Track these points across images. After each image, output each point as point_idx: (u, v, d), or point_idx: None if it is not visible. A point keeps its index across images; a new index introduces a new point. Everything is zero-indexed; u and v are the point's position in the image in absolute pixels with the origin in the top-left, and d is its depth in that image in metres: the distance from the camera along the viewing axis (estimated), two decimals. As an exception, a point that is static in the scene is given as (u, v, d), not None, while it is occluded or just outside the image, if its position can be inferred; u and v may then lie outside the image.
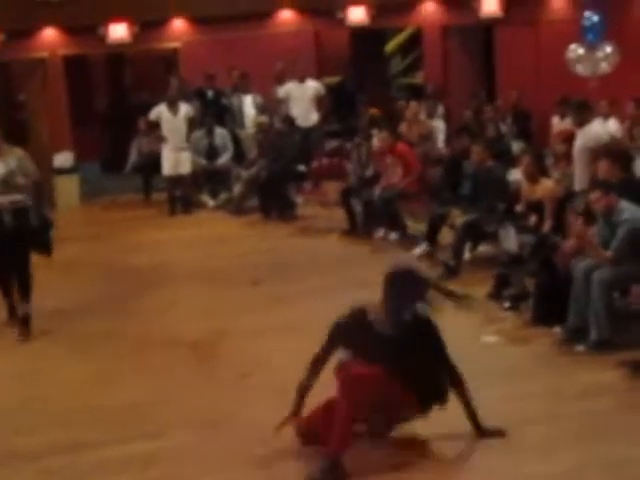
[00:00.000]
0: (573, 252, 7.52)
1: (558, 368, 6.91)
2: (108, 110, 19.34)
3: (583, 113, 9.40)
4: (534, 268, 8.00)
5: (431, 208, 10.70)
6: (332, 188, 13.49)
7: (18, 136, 12.26)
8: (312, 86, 14.89)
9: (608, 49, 12.63)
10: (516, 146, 13.52)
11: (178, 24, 15.60)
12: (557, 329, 7.47)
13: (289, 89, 14.74)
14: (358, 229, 11.76)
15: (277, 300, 8.91)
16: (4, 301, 8.84)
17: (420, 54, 17.59)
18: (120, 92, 19.69)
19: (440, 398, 5.62)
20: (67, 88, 15.55)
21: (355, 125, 14.91)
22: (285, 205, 13.11)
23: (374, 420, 5.66)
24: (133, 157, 15.30)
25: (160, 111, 13.86)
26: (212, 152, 14.22)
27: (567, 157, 9.53)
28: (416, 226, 11.09)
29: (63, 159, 15.16)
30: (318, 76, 15.61)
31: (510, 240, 8.89)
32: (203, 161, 14.18)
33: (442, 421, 5.65)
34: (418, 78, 18.16)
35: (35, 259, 8.56)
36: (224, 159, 14.25)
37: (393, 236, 11.20)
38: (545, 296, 7.76)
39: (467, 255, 9.96)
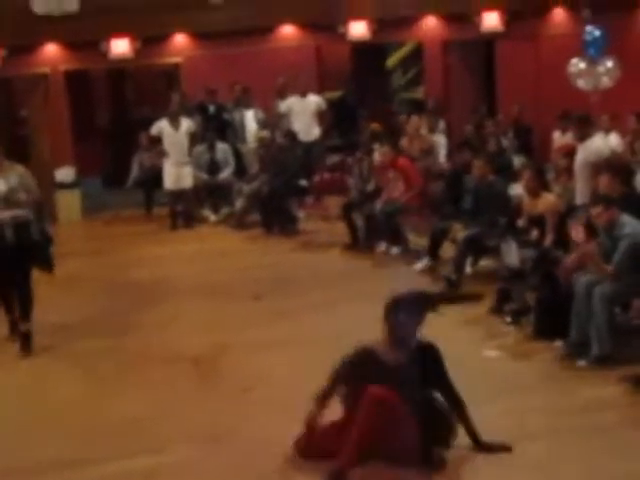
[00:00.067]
0: (574, 267, 7.53)
1: (559, 383, 6.90)
2: (110, 125, 19.36)
3: (584, 127, 9.42)
4: (535, 283, 8.00)
5: (432, 222, 10.69)
6: (334, 203, 13.49)
7: (20, 153, 12.30)
8: (313, 101, 14.93)
9: (609, 63, 12.61)
10: (517, 160, 13.55)
11: (180, 39, 15.62)
12: (558, 344, 7.46)
13: (291, 104, 14.77)
14: (360, 243, 11.75)
15: (279, 314, 8.90)
16: (6, 317, 8.82)
17: (421, 69, 17.63)
18: (122, 107, 19.70)
19: (445, 434, 5.62)
20: (69, 103, 15.54)
21: (356, 140, 14.88)
22: (287, 220, 13.10)
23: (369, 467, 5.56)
24: (135, 172, 15.30)
25: (162, 126, 13.86)
26: (214, 167, 14.22)
27: (568, 171, 9.54)
28: (418, 240, 11.08)
29: (65, 174, 15.17)
30: (319, 91, 15.62)
31: (511, 254, 8.88)
32: (205, 176, 14.18)
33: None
34: (419, 93, 18.20)
35: (36, 275, 8.55)
36: (226, 174, 14.25)
37: (395, 250, 11.21)
38: (546, 311, 7.76)
39: (468, 269, 9.95)
